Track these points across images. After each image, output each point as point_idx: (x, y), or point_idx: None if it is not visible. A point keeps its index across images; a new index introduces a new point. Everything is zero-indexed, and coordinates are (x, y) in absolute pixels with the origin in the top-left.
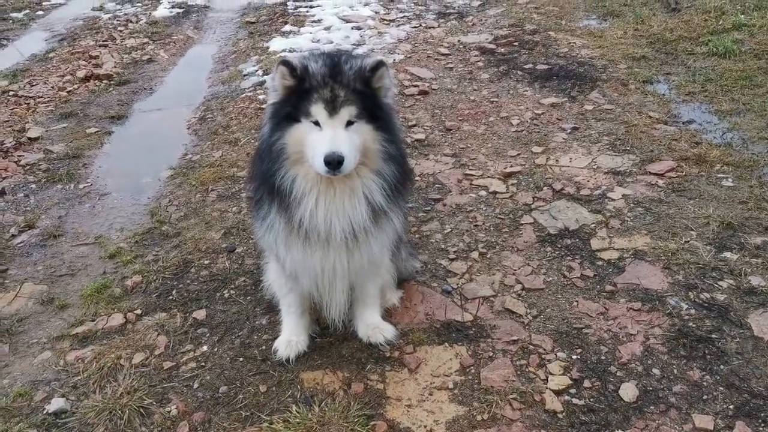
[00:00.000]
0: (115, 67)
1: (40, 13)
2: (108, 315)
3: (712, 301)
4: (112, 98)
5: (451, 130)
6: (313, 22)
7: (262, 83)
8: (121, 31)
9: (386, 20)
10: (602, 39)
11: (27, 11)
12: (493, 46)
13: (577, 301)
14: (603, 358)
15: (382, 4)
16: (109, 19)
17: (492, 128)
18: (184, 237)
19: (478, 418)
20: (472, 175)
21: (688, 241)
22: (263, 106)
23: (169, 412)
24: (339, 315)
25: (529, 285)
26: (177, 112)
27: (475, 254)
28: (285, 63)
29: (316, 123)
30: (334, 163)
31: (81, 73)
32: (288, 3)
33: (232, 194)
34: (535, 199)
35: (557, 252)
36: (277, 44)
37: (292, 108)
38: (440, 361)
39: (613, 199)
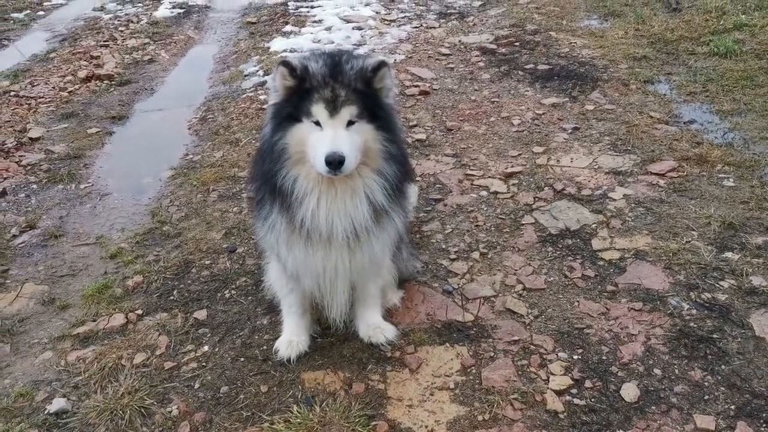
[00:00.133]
0: (116, 67)
1: (41, 13)
2: (109, 315)
3: (713, 301)
4: (113, 98)
5: (452, 130)
6: (314, 22)
7: (263, 83)
8: (122, 31)
9: (387, 20)
10: (603, 39)
11: (28, 11)
12: (494, 47)
13: (578, 302)
14: (604, 358)
15: (383, 4)
16: (110, 19)
17: (493, 128)
18: (185, 237)
19: (480, 418)
20: (473, 175)
21: (690, 241)
22: (264, 106)
23: (170, 412)
24: (340, 315)
25: (530, 285)
26: (178, 113)
27: (476, 254)
28: (285, 63)
29: (317, 123)
30: (335, 163)
31: (82, 74)
32: (289, 3)
33: (233, 194)
34: (536, 199)
35: (558, 252)
36: (278, 44)
37: (293, 108)
38: (441, 362)
39: (614, 199)
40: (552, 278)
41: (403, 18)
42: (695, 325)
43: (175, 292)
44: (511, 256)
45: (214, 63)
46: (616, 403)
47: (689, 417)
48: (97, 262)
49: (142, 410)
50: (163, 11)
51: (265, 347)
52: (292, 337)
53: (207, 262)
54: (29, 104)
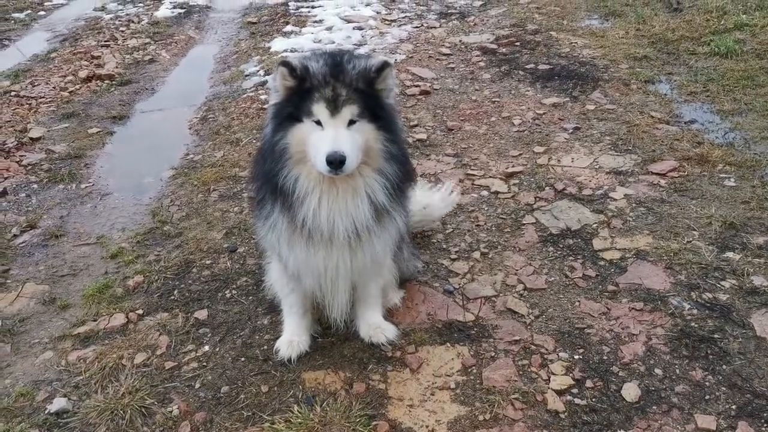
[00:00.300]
0: (116, 67)
1: (42, 13)
2: (110, 315)
3: (714, 301)
4: (113, 98)
5: (452, 130)
6: (315, 22)
7: (263, 83)
8: (122, 31)
9: (388, 20)
10: (604, 39)
11: (29, 11)
12: (494, 46)
13: (579, 301)
14: (605, 358)
15: (384, 4)
16: (111, 19)
17: (494, 128)
18: (186, 237)
19: (480, 418)
20: (473, 175)
21: (691, 241)
22: (265, 106)
23: (171, 412)
24: (341, 315)
25: (531, 285)
26: (178, 112)
27: (476, 254)
28: (285, 64)
29: (318, 122)
30: (336, 162)
31: (83, 74)
32: (289, 3)
33: (233, 194)
34: (537, 199)
35: (559, 252)
36: (278, 44)
37: (293, 108)
38: (442, 361)
39: (615, 199)
40: (553, 278)
41: (403, 18)
42: (696, 325)
43: (175, 291)
44: (512, 255)
45: (214, 63)
46: (617, 403)
47: (690, 417)
48: (97, 261)
49: (143, 410)
50: (163, 11)
51: (265, 347)
52: (292, 337)
53: (208, 262)
54: (30, 104)
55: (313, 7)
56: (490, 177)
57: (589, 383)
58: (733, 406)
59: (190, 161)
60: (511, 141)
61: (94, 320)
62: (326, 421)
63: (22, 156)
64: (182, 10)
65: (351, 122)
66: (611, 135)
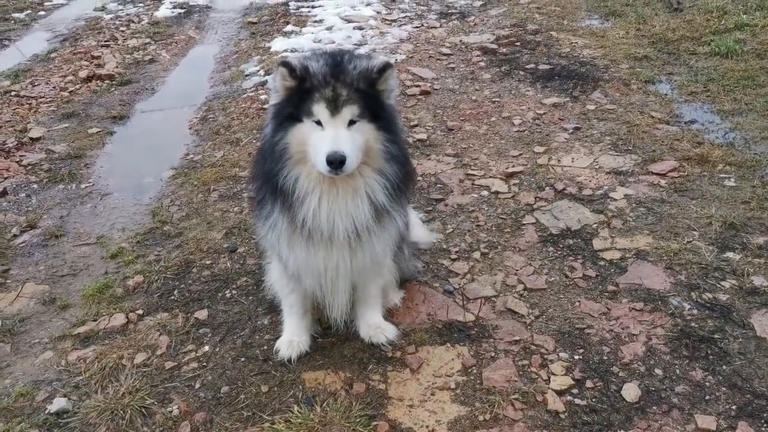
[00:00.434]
0: (116, 67)
1: (42, 13)
2: (110, 315)
3: (714, 302)
4: (113, 98)
5: (452, 130)
6: (315, 22)
7: (263, 83)
8: (122, 31)
9: (388, 20)
10: (604, 39)
11: (29, 11)
12: (494, 46)
13: (579, 302)
14: (605, 358)
15: (384, 4)
16: (111, 19)
17: (494, 128)
18: (186, 237)
19: (480, 418)
20: (473, 175)
21: (691, 241)
22: (265, 106)
23: (171, 412)
24: (341, 315)
25: (531, 285)
26: (179, 112)
27: (476, 254)
28: (285, 64)
29: (318, 122)
30: (336, 162)
31: (83, 74)
32: (290, 3)
33: (233, 194)
34: (537, 199)
35: (559, 252)
36: (278, 44)
37: (293, 108)
38: (442, 362)
39: (615, 199)
40: (553, 278)
41: (404, 18)
42: (696, 325)
43: (175, 291)
44: (512, 256)
45: (215, 63)
46: (617, 403)
47: (690, 417)
48: (97, 261)
49: (143, 410)
50: (164, 11)
51: (265, 347)
52: (292, 337)
53: (208, 262)
54: (30, 104)
55: (313, 7)
56: (491, 177)
57: (589, 383)
58: (733, 407)
59: (190, 161)
60: (511, 141)
61: (94, 320)
62: (326, 421)
63: (22, 156)
64: (182, 10)
65: (351, 122)
66: (611, 135)
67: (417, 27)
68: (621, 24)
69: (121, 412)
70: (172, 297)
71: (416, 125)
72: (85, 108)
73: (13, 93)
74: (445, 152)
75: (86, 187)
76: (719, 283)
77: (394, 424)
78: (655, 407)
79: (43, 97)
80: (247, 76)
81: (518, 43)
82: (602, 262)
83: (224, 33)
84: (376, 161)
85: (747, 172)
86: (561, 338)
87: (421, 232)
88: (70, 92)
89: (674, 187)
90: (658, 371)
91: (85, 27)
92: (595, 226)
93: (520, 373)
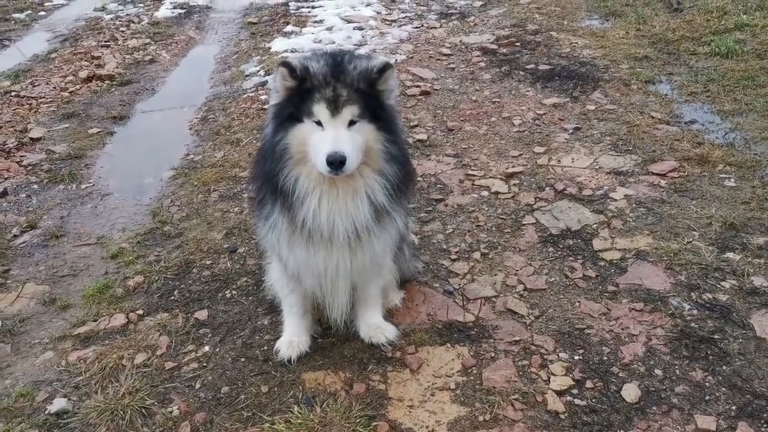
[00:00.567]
0: (117, 67)
1: (42, 13)
2: (110, 315)
3: (714, 302)
4: (114, 99)
5: (452, 130)
6: (315, 22)
7: (264, 84)
8: (123, 31)
9: (388, 20)
10: (604, 39)
11: (29, 12)
12: (494, 47)
13: (579, 302)
14: (605, 358)
15: (384, 4)
16: (111, 19)
17: (494, 128)
18: (186, 237)
19: (480, 418)
20: (473, 175)
21: (691, 242)
22: (265, 106)
23: (171, 412)
24: (341, 315)
25: (531, 285)
26: (179, 113)
27: (476, 255)
28: (285, 64)
29: (319, 123)
30: (336, 162)
31: (83, 74)
32: (290, 3)
33: (233, 194)
34: (537, 199)
35: (559, 252)
36: (278, 45)
37: (294, 108)
38: (442, 362)
39: (615, 200)
40: (553, 278)
41: (404, 18)
42: (696, 326)
43: (176, 292)
44: (512, 256)
45: (215, 63)
46: (617, 403)
47: (690, 417)
48: (98, 262)
49: (143, 410)
50: (164, 11)
51: (265, 347)
52: (292, 338)
53: (208, 263)
54: (30, 104)
55: (313, 8)
56: (491, 177)
57: (589, 384)
58: (733, 407)
59: (190, 161)
60: (511, 141)
61: (95, 320)
62: (326, 421)
63: (22, 156)
64: (182, 11)
65: (351, 123)
66: (611, 135)
67: (417, 27)
68: (621, 24)
69: (121, 412)
70: (173, 297)
71: (416, 125)
72: (86, 108)
73: (13, 93)
74: (445, 152)
75: (86, 187)
76: (719, 284)
77: (394, 424)
78: (654, 407)
79: (44, 97)
80: (247, 76)
81: (518, 44)
82: (602, 263)
83: (224, 33)
84: (376, 162)
85: (747, 172)
86: (561, 338)
87: None
88: (71, 92)
89: (674, 187)
90: (658, 371)
91: (85, 27)
92: (595, 226)
93: (520, 373)
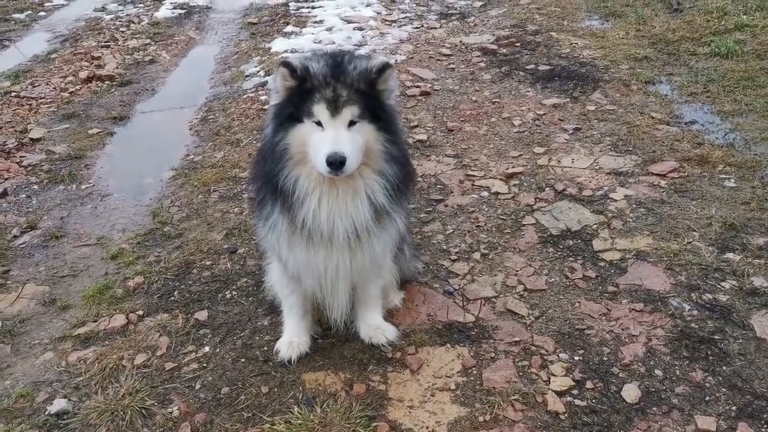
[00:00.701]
0: (117, 67)
1: (42, 14)
2: (110, 316)
3: (714, 302)
4: (114, 99)
5: (452, 130)
6: (315, 22)
7: (264, 84)
8: (123, 32)
9: (388, 21)
10: (604, 39)
11: (29, 12)
12: (494, 47)
13: (579, 302)
14: (605, 359)
15: (384, 4)
16: (111, 20)
17: (494, 129)
18: (186, 238)
19: (480, 419)
20: (473, 175)
21: (691, 242)
22: (265, 106)
23: (171, 413)
24: (341, 316)
25: (531, 286)
26: (179, 113)
27: (476, 255)
28: (285, 64)
29: (319, 123)
30: (336, 163)
31: (83, 74)
32: (290, 4)
33: (233, 195)
34: (537, 199)
35: (559, 253)
36: (278, 45)
37: (294, 108)
38: (442, 362)
39: (615, 200)
40: (553, 279)
41: (404, 18)
42: (696, 326)
43: (176, 292)
44: (512, 256)
45: (215, 63)
46: (617, 404)
47: (690, 418)
48: (98, 262)
49: (143, 411)
50: (164, 12)
51: (265, 348)
52: (292, 338)
53: (208, 263)
54: (30, 105)
55: (313, 8)
56: (491, 178)
57: (589, 384)
58: (733, 407)
59: (190, 162)
60: (511, 142)
61: (95, 321)
62: (326, 422)
63: (22, 157)
64: (182, 11)
65: (351, 123)
66: (611, 136)
67: (417, 28)
68: (621, 25)
69: (121, 413)
70: (173, 298)
71: (416, 126)
72: (86, 109)
73: (13, 94)
74: (445, 153)
75: (86, 187)
76: (719, 284)
77: (394, 425)
78: (655, 408)
79: (44, 97)
80: (247, 76)
81: (518, 44)
82: (602, 263)
83: (224, 34)
84: (376, 162)
85: (747, 172)
86: (561, 339)
87: None
88: (71, 93)
89: (674, 187)
90: (658, 372)
91: (85, 28)
92: (595, 226)
93: (520, 373)
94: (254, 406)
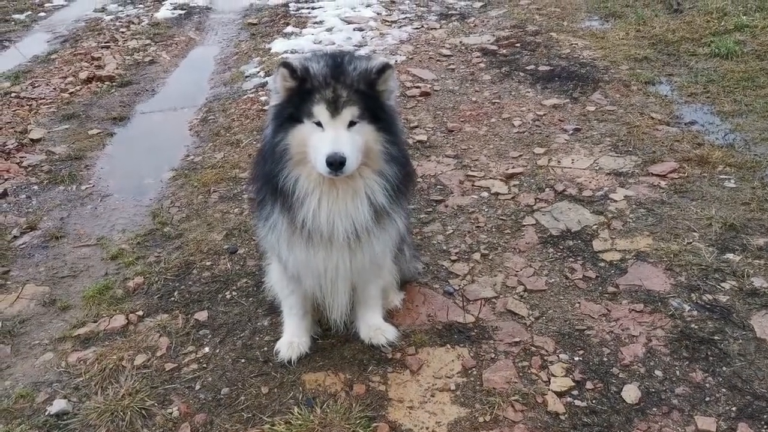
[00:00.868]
0: (117, 68)
1: (42, 14)
2: (110, 316)
3: (714, 303)
4: (114, 99)
5: (452, 131)
6: (315, 23)
7: (264, 84)
8: (123, 32)
9: (388, 21)
10: (604, 40)
11: (29, 13)
12: (494, 48)
13: (579, 303)
14: (605, 359)
15: (384, 5)
16: (111, 20)
17: (494, 129)
18: (186, 238)
19: (480, 419)
20: (473, 176)
21: (691, 243)
22: (265, 107)
23: (171, 413)
24: (341, 316)
25: (531, 286)
26: (179, 114)
27: (476, 255)
28: (285, 64)
29: (319, 124)
30: (336, 163)
31: (83, 75)
32: (290, 4)
33: (233, 195)
34: (537, 200)
35: (559, 253)
36: (278, 45)
37: (294, 109)
38: (442, 363)
39: (615, 201)
40: (553, 279)
41: (404, 19)
42: (696, 327)
43: (175, 293)
44: (512, 257)
45: (215, 64)
46: (617, 404)
47: (690, 418)
48: (98, 263)
49: (143, 411)
50: (164, 12)
51: (265, 348)
52: (292, 339)
53: (208, 264)
54: (30, 105)
55: (313, 9)
56: (491, 178)
57: (589, 385)
58: (733, 408)
59: (190, 162)
60: (511, 142)
61: (95, 321)
62: (326, 422)
63: (22, 157)
64: (182, 12)
65: (351, 123)
66: (611, 136)
67: (417, 28)
68: (621, 25)
69: (121, 413)
70: (173, 298)
71: (416, 126)
72: (86, 109)
73: (13, 94)
74: (445, 153)
75: (86, 188)
76: (719, 285)
77: (394, 425)
78: (655, 408)
79: (44, 98)
80: (247, 77)
81: (518, 45)
82: (602, 264)
83: (224, 34)
84: (376, 162)
85: (747, 173)
86: (561, 339)
87: None
88: (71, 93)
89: (674, 188)
90: (658, 372)
91: (85, 28)
92: (595, 227)
93: (520, 374)
94: (254, 406)
